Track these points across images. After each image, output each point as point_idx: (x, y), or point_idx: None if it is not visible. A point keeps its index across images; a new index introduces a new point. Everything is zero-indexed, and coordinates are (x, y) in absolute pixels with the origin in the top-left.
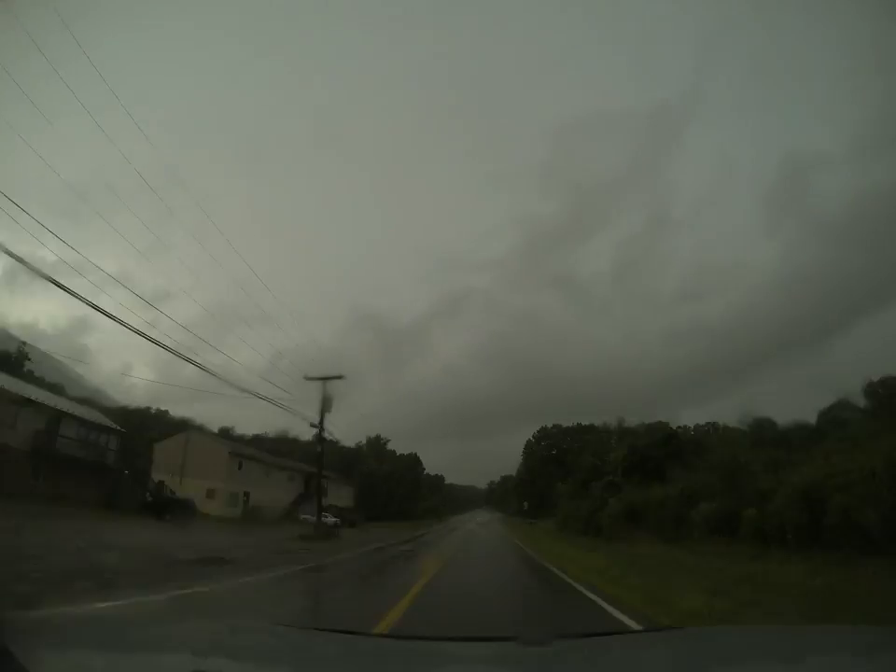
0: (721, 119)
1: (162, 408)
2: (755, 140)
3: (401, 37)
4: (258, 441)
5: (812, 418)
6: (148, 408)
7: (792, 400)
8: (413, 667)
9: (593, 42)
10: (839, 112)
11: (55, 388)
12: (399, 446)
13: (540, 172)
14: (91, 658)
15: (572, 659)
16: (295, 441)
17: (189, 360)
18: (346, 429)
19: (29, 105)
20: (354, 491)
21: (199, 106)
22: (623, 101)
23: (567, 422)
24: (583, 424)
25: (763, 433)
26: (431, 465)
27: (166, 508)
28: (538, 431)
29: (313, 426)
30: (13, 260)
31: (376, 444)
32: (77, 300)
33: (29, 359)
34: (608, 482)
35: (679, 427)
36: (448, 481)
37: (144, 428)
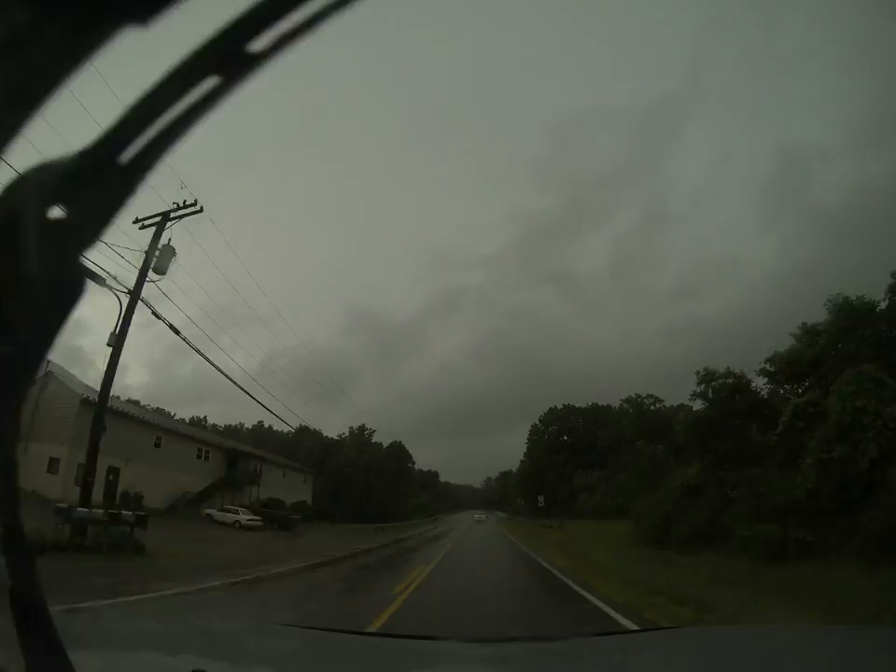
0: (718, 113)
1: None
2: (752, 134)
3: (396, 33)
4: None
5: None
6: None
7: None
8: (413, 666)
9: (589, 38)
10: (835, 105)
11: None
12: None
13: (536, 168)
14: (92, 658)
15: (571, 659)
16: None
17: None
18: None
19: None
20: (314, 482)
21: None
22: (620, 96)
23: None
24: (600, 404)
25: None
26: (427, 464)
27: None
28: (545, 413)
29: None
30: None
31: (360, 436)
32: None
33: None
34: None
35: None
36: (445, 479)
37: None
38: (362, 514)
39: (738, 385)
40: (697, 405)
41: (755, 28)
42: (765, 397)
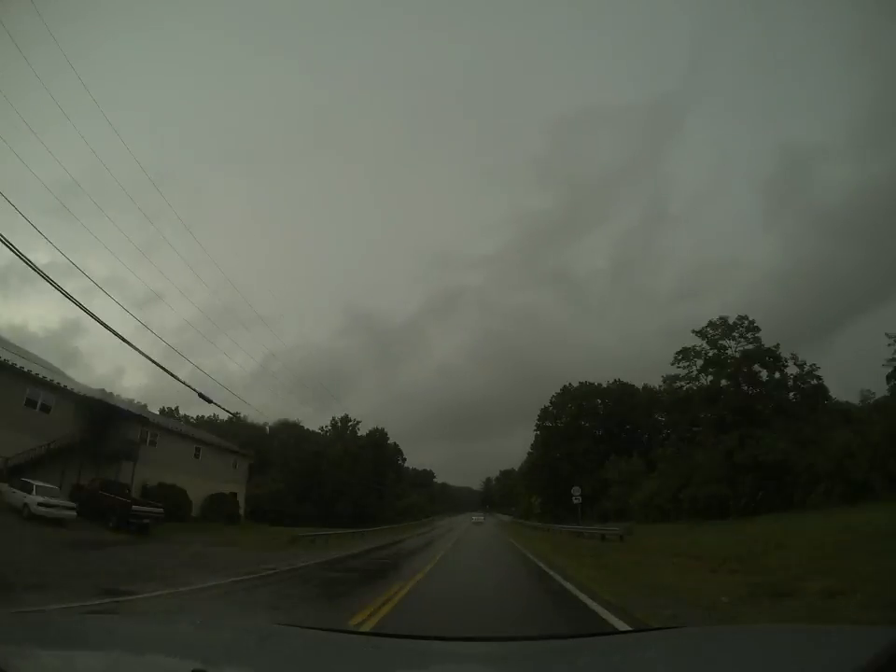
0: (718, 112)
1: None
2: (752, 133)
3: (395, 32)
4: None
5: None
6: None
7: None
8: (413, 666)
9: (589, 37)
10: (836, 105)
11: None
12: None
13: (537, 167)
14: (92, 658)
15: (571, 659)
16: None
17: None
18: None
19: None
20: (250, 470)
21: (193, 105)
22: (621, 95)
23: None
24: (624, 381)
25: None
26: (425, 465)
27: None
28: (557, 394)
29: None
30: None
31: (343, 429)
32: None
33: None
34: None
35: None
36: (443, 481)
37: None
38: (332, 516)
39: None
40: None
41: (755, 28)
42: None
